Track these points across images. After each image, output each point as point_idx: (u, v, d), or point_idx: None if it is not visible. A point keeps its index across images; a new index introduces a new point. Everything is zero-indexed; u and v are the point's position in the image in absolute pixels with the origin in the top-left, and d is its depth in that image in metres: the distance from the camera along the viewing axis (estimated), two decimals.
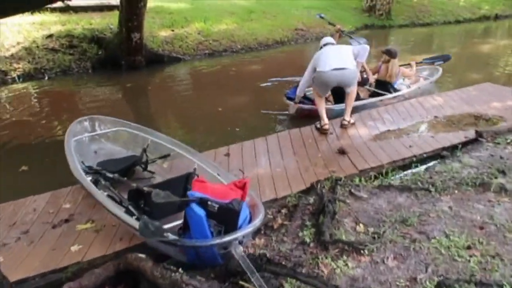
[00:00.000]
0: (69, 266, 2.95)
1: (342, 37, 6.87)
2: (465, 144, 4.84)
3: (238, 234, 2.46)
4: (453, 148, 4.75)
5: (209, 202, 2.44)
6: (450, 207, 3.51)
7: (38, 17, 9.91)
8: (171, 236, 2.44)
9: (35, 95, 7.35)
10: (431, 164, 4.53)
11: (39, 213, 3.60)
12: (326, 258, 2.85)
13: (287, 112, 6.13)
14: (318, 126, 5.32)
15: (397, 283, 2.63)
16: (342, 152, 4.69)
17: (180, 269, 2.43)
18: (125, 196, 3.21)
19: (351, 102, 5.35)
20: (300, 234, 3.18)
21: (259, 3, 13.79)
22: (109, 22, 9.62)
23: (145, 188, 2.87)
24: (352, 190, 3.77)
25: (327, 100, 5.72)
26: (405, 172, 4.40)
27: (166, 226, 2.77)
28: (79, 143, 4.26)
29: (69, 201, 3.78)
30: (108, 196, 3.22)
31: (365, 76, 6.58)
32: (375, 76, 6.72)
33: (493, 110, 5.88)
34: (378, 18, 13.82)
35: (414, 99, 6.36)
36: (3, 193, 4.14)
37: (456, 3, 15.81)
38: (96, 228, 3.36)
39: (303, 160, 4.55)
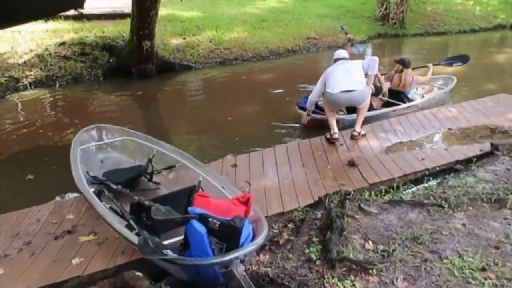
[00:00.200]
0: (69, 280, 2.90)
1: (353, 45, 6.79)
2: (480, 157, 4.69)
3: (239, 253, 2.37)
4: (467, 162, 4.61)
5: (210, 219, 2.36)
6: (463, 225, 3.38)
7: (51, 24, 10.01)
8: (171, 255, 2.36)
9: (46, 102, 7.37)
10: (444, 178, 4.38)
11: (43, 224, 3.56)
12: (333, 277, 2.73)
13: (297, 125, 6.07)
14: (328, 136, 5.22)
15: None
16: (352, 164, 4.58)
17: None
18: (128, 209, 3.15)
19: (362, 114, 5.25)
20: (307, 250, 3.08)
21: (271, 11, 13.77)
22: (121, 30, 9.65)
23: (146, 202, 2.81)
24: (362, 205, 3.65)
25: (339, 109, 5.63)
26: (417, 187, 4.26)
27: (167, 242, 2.71)
28: (86, 152, 4.24)
29: (73, 211, 3.74)
30: (111, 208, 3.17)
31: (378, 85, 6.47)
32: (388, 85, 6.61)
33: (510, 122, 5.71)
34: (391, 27, 13.66)
35: (427, 110, 6.21)
36: (9, 202, 4.12)
37: (472, 12, 15.57)
38: (99, 241, 3.30)
39: (312, 172, 4.45)
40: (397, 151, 4.95)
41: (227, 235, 2.38)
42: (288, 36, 11.50)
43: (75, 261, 3.07)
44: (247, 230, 2.50)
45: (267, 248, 3.16)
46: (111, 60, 8.80)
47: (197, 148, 5.64)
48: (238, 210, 2.57)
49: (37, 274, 2.96)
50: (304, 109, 5.88)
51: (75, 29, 9.84)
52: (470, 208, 3.63)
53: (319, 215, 3.53)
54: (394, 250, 3.02)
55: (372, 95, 5.65)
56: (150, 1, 7.84)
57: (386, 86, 6.57)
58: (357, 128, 5.24)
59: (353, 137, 5.25)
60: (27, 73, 8.02)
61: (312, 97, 5.54)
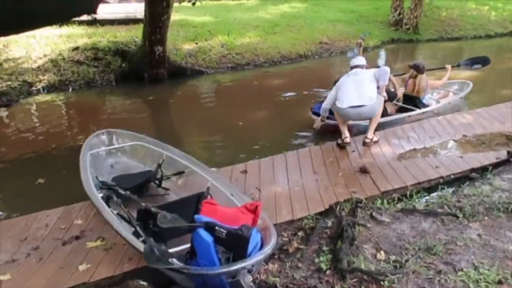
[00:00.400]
0: (75, 287, 2.87)
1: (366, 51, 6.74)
2: (496, 165, 4.56)
3: (247, 263, 2.31)
4: (483, 170, 4.49)
5: (216, 227, 2.31)
6: (479, 235, 3.28)
7: (65, 29, 10.13)
8: (176, 264, 2.32)
9: (58, 106, 7.42)
10: (459, 186, 4.27)
11: (51, 229, 3.55)
12: None
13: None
14: (339, 141, 5.16)
15: None
16: (364, 171, 4.50)
17: None
18: (136, 215, 3.12)
19: (375, 121, 5.17)
20: (316, 260, 3.01)
21: (283, 16, 13.74)
22: (134, 35, 9.70)
23: (153, 209, 2.77)
24: (373, 214, 3.57)
25: None
26: (431, 195, 4.15)
27: (173, 250, 2.66)
28: (95, 157, 4.24)
29: (81, 216, 3.72)
30: (118, 214, 3.14)
31: (392, 90, 6.38)
32: (403, 90, 6.52)
33: None
34: (405, 32, 13.51)
35: (441, 116, 6.09)
36: (18, 206, 4.15)
37: (487, 17, 15.33)
38: (106, 247, 3.27)
39: (323, 179, 4.38)
40: (410, 158, 4.85)
41: (234, 244, 2.32)
42: (300, 41, 11.45)
43: (82, 267, 3.04)
44: (255, 239, 2.45)
45: (276, 256, 3.09)
46: (123, 65, 8.86)
47: (207, 153, 5.61)
48: (246, 219, 2.52)
49: (43, 280, 2.94)
50: (317, 114, 5.83)
51: (89, 34, 9.93)
52: (486, 218, 3.52)
53: (329, 223, 3.45)
54: (406, 261, 2.93)
55: (386, 100, 5.58)
56: (162, 6, 7.87)
57: (400, 91, 6.48)
58: (369, 134, 5.16)
59: (365, 144, 5.17)
60: (41, 77, 8.10)
61: (326, 104, 5.49)
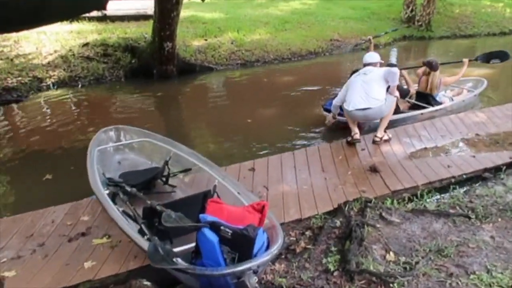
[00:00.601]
0: (80, 284, 2.85)
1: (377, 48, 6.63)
2: (509, 165, 4.46)
3: (252, 264, 2.26)
4: (496, 170, 4.39)
5: (222, 227, 2.26)
6: (492, 237, 3.19)
7: (76, 25, 10.15)
8: (181, 263, 2.27)
9: (68, 102, 7.44)
10: (471, 186, 4.18)
11: (57, 225, 3.54)
12: None
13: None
14: (349, 138, 5.10)
15: None
16: (373, 170, 4.42)
17: None
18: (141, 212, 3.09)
19: (386, 120, 5.08)
20: (324, 260, 2.95)
21: (294, 13, 13.63)
22: (143, 31, 9.69)
23: (158, 207, 2.73)
24: (383, 214, 3.50)
25: None
26: (442, 195, 4.06)
27: (178, 249, 2.62)
28: (103, 153, 4.22)
29: (88, 213, 3.71)
30: (124, 212, 3.11)
31: (405, 87, 6.27)
32: (416, 86, 6.40)
33: None
34: (417, 29, 13.31)
35: (454, 115, 5.97)
36: (25, 202, 4.15)
37: (502, 14, 15.03)
38: (112, 244, 3.25)
39: (332, 178, 4.31)
40: (421, 157, 4.76)
41: (240, 244, 2.28)
42: (311, 38, 11.34)
43: (87, 264, 3.02)
44: (261, 239, 2.39)
45: (283, 256, 3.05)
46: (133, 61, 8.85)
47: (215, 150, 5.57)
48: (252, 218, 2.47)
49: (49, 277, 2.92)
50: (329, 111, 5.79)
51: (99, 30, 9.94)
52: (499, 219, 3.43)
53: (338, 223, 3.39)
54: (417, 262, 2.86)
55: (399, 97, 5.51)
56: (172, 2, 7.83)
57: (413, 88, 6.37)
58: (379, 133, 5.07)
59: (374, 142, 5.08)
60: (51, 73, 8.13)
61: (336, 102, 5.46)
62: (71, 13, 8.05)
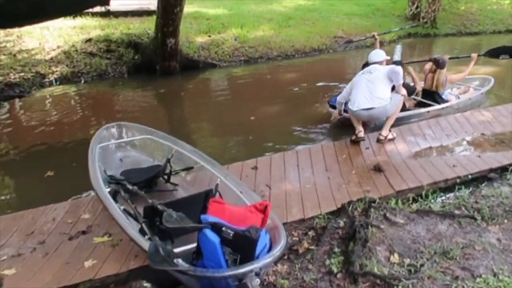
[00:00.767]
0: (80, 284, 2.82)
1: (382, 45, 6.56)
2: None
3: (254, 266, 2.22)
4: (502, 170, 4.33)
5: (223, 228, 2.22)
6: (498, 239, 3.15)
7: (79, 21, 10.09)
8: (182, 265, 2.24)
9: (70, 98, 7.41)
10: (477, 187, 4.12)
11: (58, 223, 3.50)
12: None
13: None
14: (353, 137, 5.04)
15: None
16: (378, 169, 4.36)
17: None
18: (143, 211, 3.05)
19: (391, 119, 5.04)
20: (327, 262, 2.91)
21: (298, 9, 13.56)
22: (147, 27, 9.64)
23: (160, 207, 2.69)
24: (387, 214, 3.45)
25: None
26: (447, 195, 4.02)
27: (179, 249, 2.58)
28: (105, 150, 4.18)
29: (89, 211, 3.67)
30: (125, 210, 3.07)
31: (411, 84, 6.21)
32: (422, 84, 6.35)
33: None
34: (422, 26, 13.22)
35: (459, 113, 5.91)
36: (26, 198, 4.12)
37: (508, 11, 14.90)
38: (113, 243, 3.21)
39: (335, 177, 4.26)
40: (426, 157, 4.71)
41: (242, 245, 2.23)
42: (315, 34, 11.27)
43: (87, 263, 2.98)
44: (263, 240, 2.35)
45: (285, 257, 3.00)
46: (136, 57, 8.81)
47: (218, 148, 5.53)
48: (255, 219, 2.42)
49: (49, 275, 2.89)
50: (335, 107, 5.75)
51: (102, 26, 9.89)
52: (506, 221, 3.39)
53: (341, 223, 3.35)
54: (422, 265, 2.81)
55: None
56: None
57: (419, 85, 6.32)
58: (384, 132, 5.02)
59: (379, 141, 5.03)
60: (53, 69, 8.09)
61: (340, 99, 5.43)
62: (75, 9, 8.06)
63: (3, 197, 4.33)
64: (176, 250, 2.52)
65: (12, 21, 6.42)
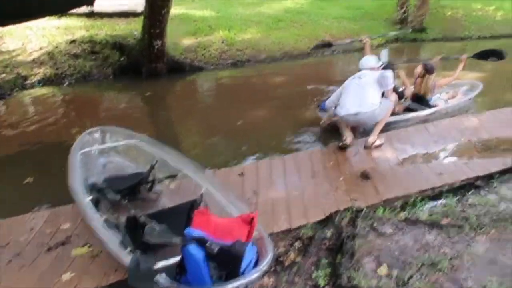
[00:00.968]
0: None
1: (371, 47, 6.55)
2: (502, 173, 4.38)
3: (240, 282, 2.14)
4: (489, 178, 4.31)
5: (208, 243, 2.14)
6: (486, 250, 3.11)
7: (63, 21, 9.90)
8: (163, 283, 2.14)
9: (53, 100, 7.25)
10: (464, 195, 4.09)
11: (36, 233, 3.38)
12: None
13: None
14: (341, 143, 4.99)
15: None
16: (365, 176, 4.31)
17: None
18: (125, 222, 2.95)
19: (380, 125, 5.01)
20: (314, 274, 2.84)
21: (286, 12, 13.49)
22: (133, 29, 9.50)
23: (142, 218, 2.60)
24: (375, 224, 3.40)
25: None
26: (434, 203, 3.97)
27: (162, 263, 2.48)
28: (87, 156, 4.05)
29: (69, 220, 3.55)
30: (106, 220, 2.96)
31: (401, 89, 6.22)
32: (412, 88, 6.37)
33: None
34: (411, 30, 13.28)
35: (446, 119, 5.90)
36: (2, 207, 3.97)
37: (493, 17, 15.05)
38: (93, 254, 3.10)
39: (322, 184, 4.20)
40: (413, 164, 4.67)
41: (227, 261, 2.16)
42: (304, 37, 11.23)
43: (65, 276, 2.88)
44: (249, 254, 2.28)
45: (272, 269, 2.92)
46: (121, 59, 8.68)
47: (204, 153, 5.44)
48: (241, 231, 2.35)
49: None
50: (325, 111, 5.72)
51: (87, 27, 9.72)
52: (493, 230, 3.35)
53: (328, 234, 3.29)
54: (410, 277, 2.77)
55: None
56: None
57: (410, 90, 6.33)
58: (371, 138, 4.98)
59: (366, 147, 5.00)
60: (36, 70, 7.93)
61: (329, 103, 5.38)
62: (61, 8, 7.89)
63: None
64: (159, 263, 2.42)
65: None
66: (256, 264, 2.36)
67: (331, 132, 5.61)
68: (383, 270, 2.88)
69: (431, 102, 6.28)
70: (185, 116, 6.95)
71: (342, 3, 15.16)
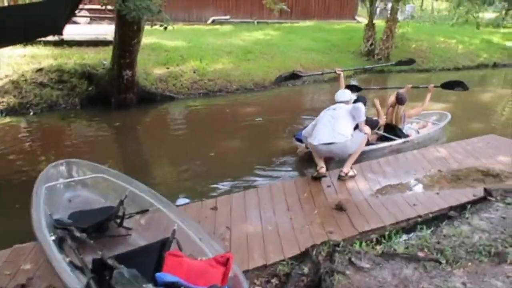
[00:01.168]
0: None
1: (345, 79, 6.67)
2: (473, 203, 4.45)
3: None
4: (461, 208, 4.36)
5: None
6: (464, 283, 3.08)
7: (29, 50, 9.68)
8: None
9: (17, 131, 6.97)
10: (438, 226, 4.10)
11: None
12: None
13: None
14: (315, 174, 4.99)
15: None
16: (340, 208, 4.29)
17: None
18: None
19: (353, 157, 5.05)
20: None
21: (256, 43, 13.69)
22: (102, 58, 9.38)
23: (110, 261, 2.43)
24: (353, 259, 3.33)
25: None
26: (409, 235, 3.99)
27: None
28: (52, 191, 3.86)
29: (30, 260, 3.32)
30: (71, 262, 2.77)
31: (374, 118, 6.33)
32: (385, 117, 6.55)
33: (500, 165, 5.52)
34: (376, 63, 13.71)
35: (416, 150, 6.04)
36: None
37: (455, 50, 15.79)
38: None
39: (297, 217, 4.14)
40: (387, 195, 4.70)
41: None
42: (274, 68, 11.37)
43: None
44: None
45: None
46: (90, 89, 8.51)
47: (175, 187, 5.28)
48: (216, 274, 2.24)
49: None
50: (300, 141, 5.77)
51: (54, 55, 9.51)
52: (469, 263, 3.34)
53: (306, 270, 3.19)
54: None
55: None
56: (133, 29, 7.61)
57: (383, 119, 6.48)
58: (345, 169, 5.00)
59: (340, 178, 5.00)
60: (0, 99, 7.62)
61: (305, 133, 5.40)
62: (26, 38, 7.66)
63: None
64: None
65: None
66: None
67: (308, 161, 5.61)
68: None
69: (404, 131, 6.44)
70: (155, 147, 6.80)
71: (310, 36, 15.57)
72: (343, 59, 13.29)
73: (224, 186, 5.17)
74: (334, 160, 5.56)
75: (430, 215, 4.26)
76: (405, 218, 4.15)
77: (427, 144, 6.46)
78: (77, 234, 3.12)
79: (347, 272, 3.16)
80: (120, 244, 3.43)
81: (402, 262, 3.35)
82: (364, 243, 3.63)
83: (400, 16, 14.73)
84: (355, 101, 5.60)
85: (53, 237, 3.06)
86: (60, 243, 3.10)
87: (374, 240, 3.78)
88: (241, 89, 10.23)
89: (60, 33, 6.95)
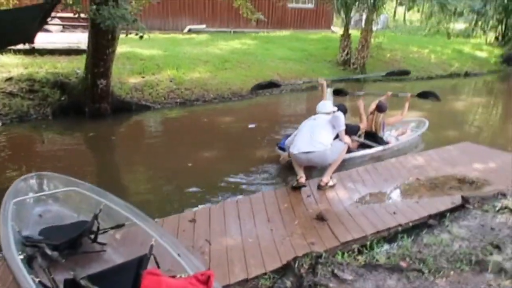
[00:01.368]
0: None
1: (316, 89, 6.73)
2: (452, 210, 4.47)
3: None
4: (440, 216, 4.37)
5: None
6: None
7: None
8: None
9: None
10: (418, 235, 4.09)
11: None
12: None
13: None
14: (294, 183, 4.94)
15: None
16: (321, 218, 4.24)
17: None
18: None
19: (333, 167, 5.05)
20: None
21: (233, 52, 13.65)
22: (75, 67, 9.15)
23: (83, 282, 2.30)
24: (335, 271, 3.27)
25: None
26: (390, 245, 3.96)
27: None
28: (21, 206, 3.66)
29: None
30: (40, 283, 2.61)
31: (354, 125, 6.37)
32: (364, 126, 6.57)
33: (476, 172, 5.59)
34: (352, 72, 13.86)
35: (394, 158, 6.07)
36: None
37: (428, 59, 16.13)
38: None
39: (278, 229, 4.06)
40: (367, 204, 4.69)
41: None
42: (251, 77, 11.32)
43: None
44: None
45: None
46: (62, 98, 8.27)
47: (152, 199, 5.12)
48: None
49: None
50: (283, 149, 5.79)
51: (25, 64, 9.22)
52: (452, 272, 3.33)
53: (288, 283, 3.11)
54: None
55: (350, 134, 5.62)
56: (107, 38, 7.44)
57: (364, 126, 6.53)
58: (325, 178, 4.96)
59: (319, 187, 4.96)
60: None
61: (288, 142, 5.45)
62: None
63: None
64: None
65: None
66: None
67: (289, 169, 5.55)
68: None
69: (383, 138, 6.50)
70: (131, 158, 6.62)
71: (287, 45, 15.63)
72: (319, 69, 13.38)
73: (202, 197, 5.06)
74: (316, 169, 5.52)
75: (410, 224, 4.25)
76: (386, 227, 4.13)
77: (407, 151, 6.57)
78: (48, 251, 2.95)
79: (330, 284, 3.10)
80: (94, 261, 3.28)
81: (385, 273, 3.32)
82: (346, 254, 3.59)
83: (374, 27, 14.93)
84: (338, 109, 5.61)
85: (21, 256, 2.88)
86: (29, 261, 2.92)
87: (356, 250, 3.73)
88: (218, 98, 10.14)
89: (32, 41, 6.76)
